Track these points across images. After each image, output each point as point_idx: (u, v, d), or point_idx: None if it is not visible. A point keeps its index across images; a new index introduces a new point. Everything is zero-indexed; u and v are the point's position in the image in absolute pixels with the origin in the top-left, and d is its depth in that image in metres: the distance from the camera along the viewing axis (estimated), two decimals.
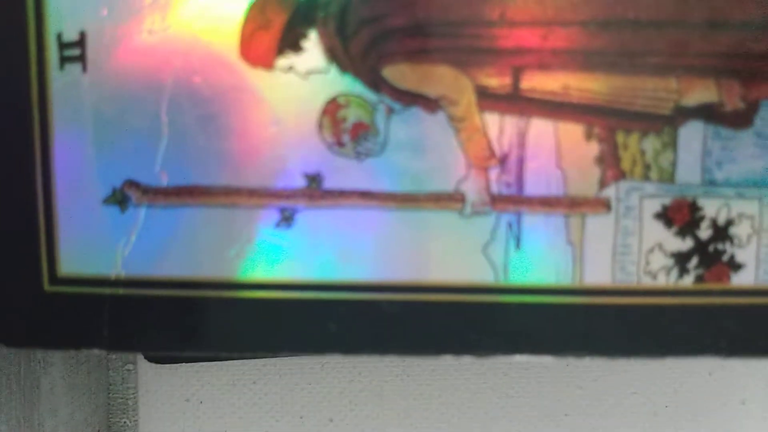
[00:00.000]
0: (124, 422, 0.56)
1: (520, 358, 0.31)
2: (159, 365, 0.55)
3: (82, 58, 0.29)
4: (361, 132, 0.30)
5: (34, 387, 0.43)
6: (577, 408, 0.56)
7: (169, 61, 0.29)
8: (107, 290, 0.31)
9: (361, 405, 0.56)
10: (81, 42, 0.29)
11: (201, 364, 0.55)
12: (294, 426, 0.56)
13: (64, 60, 0.29)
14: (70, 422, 0.49)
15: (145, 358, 0.54)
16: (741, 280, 0.31)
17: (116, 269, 0.31)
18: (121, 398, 0.56)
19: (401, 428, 0.56)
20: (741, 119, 0.30)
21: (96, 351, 0.31)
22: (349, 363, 0.55)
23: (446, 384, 0.55)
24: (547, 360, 0.31)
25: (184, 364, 0.55)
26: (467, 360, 0.31)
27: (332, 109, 0.30)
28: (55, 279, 0.31)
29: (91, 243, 0.31)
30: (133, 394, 0.56)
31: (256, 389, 0.56)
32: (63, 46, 0.29)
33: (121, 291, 0.31)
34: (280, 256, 0.31)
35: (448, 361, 0.32)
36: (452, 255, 0.31)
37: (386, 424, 0.56)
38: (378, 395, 0.56)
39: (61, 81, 0.29)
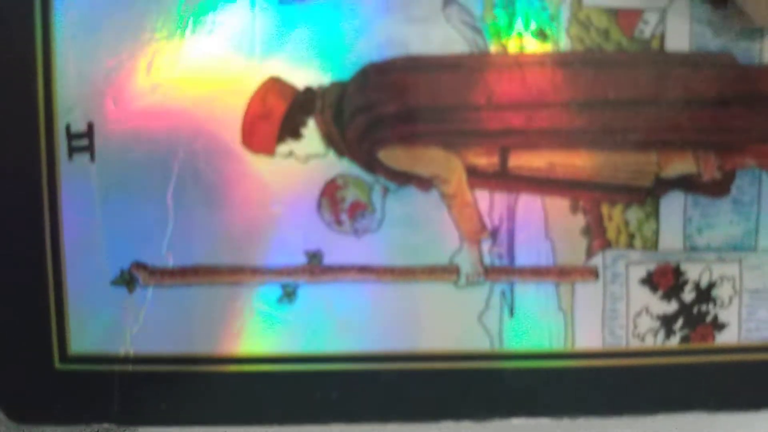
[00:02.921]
0: None
1: (517, 422, 0.34)
2: None
3: (90, 148, 0.32)
4: (359, 210, 0.33)
5: None
6: None
7: (174, 149, 0.32)
8: (117, 367, 0.33)
9: None
10: (89, 133, 0.32)
11: None
12: None
13: (72, 150, 0.32)
14: None
15: None
16: (725, 338, 0.34)
17: (125, 347, 0.33)
18: None
19: None
20: (719, 188, 0.34)
21: (106, 425, 0.34)
22: None
23: None
24: (543, 422, 0.34)
25: None
26: (467, 425, 0.33)
27: (331, 189, 0.33)
28: (65, 357, 0.33)
29: (101, 322, 0.33)
30: None
31: None
32: (71, 137, 0.32)
33: (130, 368, 0.33)
34: (283, 331, 0.34)
35: (448, 427, 0.34)
36: (449, 324, 0.34)
37: None
38: None
39: (70, 170, 0.32)
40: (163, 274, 0.33)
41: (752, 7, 0.31)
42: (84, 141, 0.32)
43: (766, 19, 0.32)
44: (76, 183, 0.32)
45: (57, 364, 0.34)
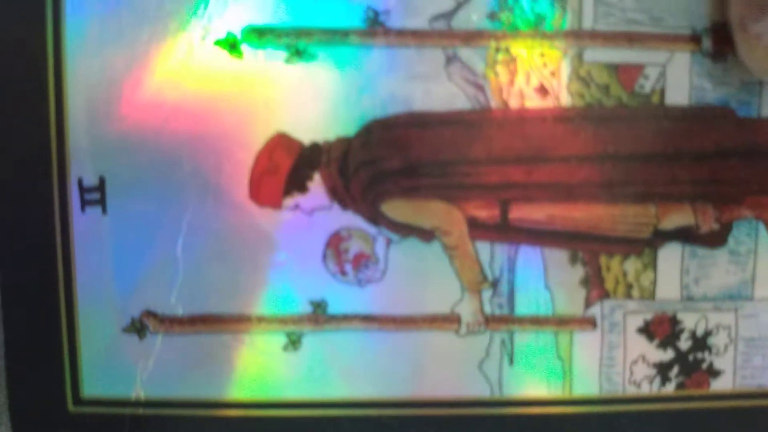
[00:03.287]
0: None
1: None
2: None
3: (101, 202, 0.33)
4: (363, 261, 0.34)
5: None
6: None
7: (184, 203, 0.33)
8: (128, 410, 0.35)
9: None
10: (100, 187, 0.33)
11: None
12: None
13: (85, 203, 0.33)
14: None
15: None
16: (720, 385, 0.35)
17: (136, 391, 0.34)
18: None
19: None
20: (716, 239, 0.34)
21: None
22: None
23: None
24: None
25: None
26: None
27: (335, 241, 0.34)
28: (78, 400, 0.35)
29: (112, 367, 0.34)
30: None
31: None
32: (84, 190, 0.33)
33: (141, 411, 0.35)
34: (289, 377, 0.35)
35: None
36: (450, 372, 0.35)
37: None
38: None
39: (82, 222, 0.33)
40: (172, 322, 0.34)
41: (752, 60, 0.32)
42: (96, 195, 0.33)
43: (766, 71, 0.32)
44: (88, 234, 0.33)
45: (71, 407, 0.35)
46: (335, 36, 0.33)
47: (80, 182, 0.33)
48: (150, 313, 0.34)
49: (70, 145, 0.33)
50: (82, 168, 0.33)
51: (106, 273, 0.34)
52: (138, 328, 0.34)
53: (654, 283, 0.34)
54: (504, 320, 0.35)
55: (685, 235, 0.34)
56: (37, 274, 0.34)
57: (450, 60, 0.33)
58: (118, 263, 0.34)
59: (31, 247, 0.34)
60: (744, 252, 0.34)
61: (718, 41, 0.33)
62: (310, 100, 0.33)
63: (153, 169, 0.33)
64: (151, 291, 0.34)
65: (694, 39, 0.33)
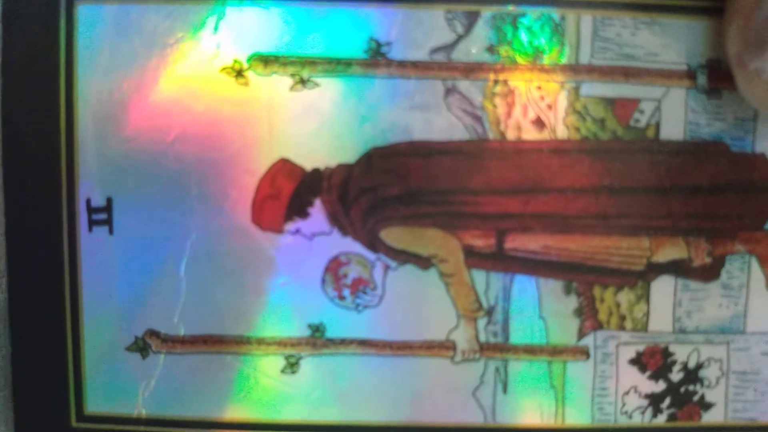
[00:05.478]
0: None
1: None
2: None
3: (108, 222, 0.34)
4: (361, 286, 0.34)
5: None
6: None
7: (188, 226, 0.33)
8: (130, 427, 0.35)
9: None
10: (108, 207, 0.34)
11: None
12: None
13: (92, 223, 0.34)
14: None
15: None
16: (711, 417, 0.35)
17: (138, 409, 0.35)
18: None
19: None
20: (709, 273, 0.34)
21: None
22: None
23: None
24: None
25: None
26: None
27: (334, 266, 0.34)
28: (81, 417, 0.35)
29: (115, 385, 0.35)
30: None
31: None
32: (91, 210, 0.34)
33: (142, 429, 0.35)
34: (286, 400, 0.35)
35: None
36: (445, 398, 0.34)
37: None
38: None
39: (89, 242, 0.34)
40: (174, 342, 0.34)
41: (752, 95, 0.32)
42: (103, 215, 0.34)
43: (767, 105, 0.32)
44: (95, 254, 0.34)
45: (74, 423, 0.35)
46: (338, 66, 0.33)
47: (88, 202, 0.34)
48: (153, 333, 0.34)
49: (79, 165, 0.33)
50: (90, 188, 0.33)
51: (111, 292, 0.34)
52: (141, 347, 0.34)
53: (647, 315, 0.34)
54: (498, 348, 0.35)
55: (678, 269, 0.34)
56: (44, 292, 0.34)
57: (449, 91, 0.33)
58: (123, 282, 0.34)
59: (39, 266, 0.34)
60: (736, 286, 0.34)
61: (713, 78, 0.33)
62: (313, 127, 0.33)
63: (159, 190, 0.33)
64: (154, 311, 0.34)
65: (690, 75, 0.34)
